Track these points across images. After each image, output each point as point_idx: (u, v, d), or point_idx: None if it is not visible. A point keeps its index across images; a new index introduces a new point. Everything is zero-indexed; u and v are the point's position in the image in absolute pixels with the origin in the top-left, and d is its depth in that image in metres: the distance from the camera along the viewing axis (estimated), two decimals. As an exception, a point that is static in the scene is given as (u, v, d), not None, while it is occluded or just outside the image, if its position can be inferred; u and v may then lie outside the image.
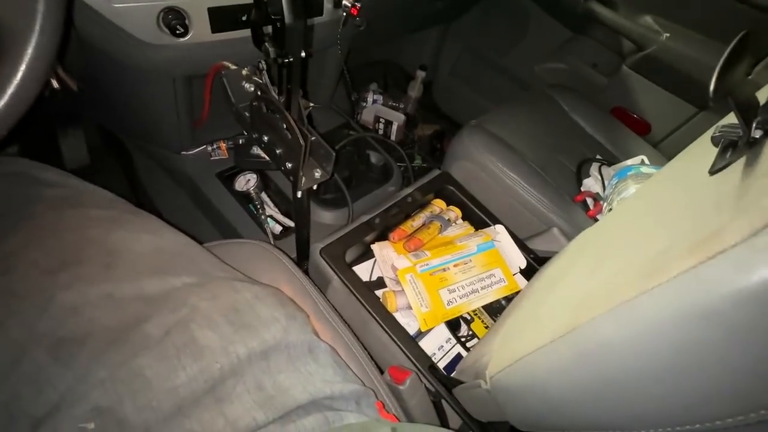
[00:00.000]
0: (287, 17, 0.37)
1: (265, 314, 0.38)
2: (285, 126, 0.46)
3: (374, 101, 1.26)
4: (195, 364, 0.32)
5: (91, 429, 0.28)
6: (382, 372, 0.50)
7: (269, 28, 0.40)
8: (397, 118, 1.19)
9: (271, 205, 0.79)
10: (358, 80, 1.17)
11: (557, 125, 0.89)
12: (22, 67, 0.29)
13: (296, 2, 0.37)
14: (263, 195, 0.79)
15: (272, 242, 0.73)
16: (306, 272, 0.66)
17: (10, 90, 0.29)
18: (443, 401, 0.53)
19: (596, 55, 1.05)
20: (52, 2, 0.31)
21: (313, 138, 0.49)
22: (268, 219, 0.76)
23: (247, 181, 0.78)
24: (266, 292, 0.41)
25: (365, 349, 0.51)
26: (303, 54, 0.40)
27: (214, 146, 0.78)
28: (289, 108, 0.45)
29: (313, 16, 0.66)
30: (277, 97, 0.47)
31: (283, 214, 0.79)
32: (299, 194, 0.55)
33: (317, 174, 0.53)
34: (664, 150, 0.93)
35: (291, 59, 0.40)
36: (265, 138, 0.51)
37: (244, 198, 0.78)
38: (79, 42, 0.55)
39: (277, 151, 0.50)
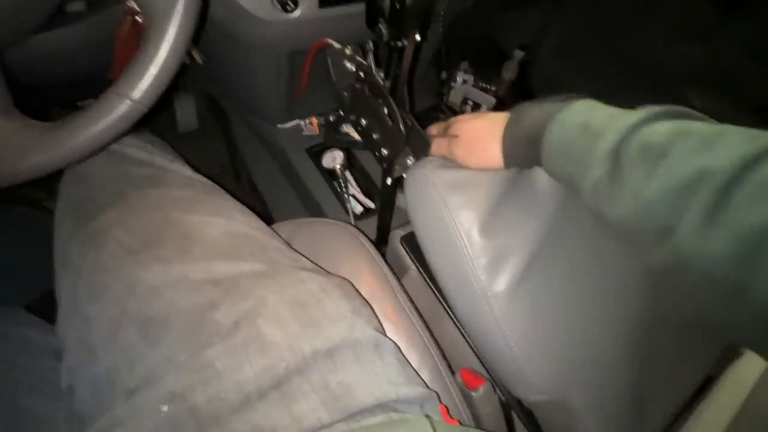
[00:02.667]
0: (409, -2, 0.34)
1: (331, 309, 0.38)
2: (387, 112, 0.44)
3: (464, 81, 1.20)
4: (261, 360, 0.33)
5: (165, 411, 0.30)
6: (453, 372, 0.49)
7: (386, 8, 0.38)
8: (487, 101, 1.12)
9: (354, 184, 0.80)
10: (450, 58, 1.11)
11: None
12: (165, 47, 0.31)
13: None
14: (347, 174, 0.80)
15: (352, 221, 0.74)
16: (384, 256, 0.66)
17: (154, 70, 0.31)
18: (513, 413, 0.51)
19: (749, 40, 0.87)
20: None
21: (412, 126, 0.47)
22: (350, 198, 0.77)
23: (333, 159, 0.79)
24: (332, 284, 0.40)
25: (439, 346, 0.50)
26: (418, 38, 0.38)
27: (306, 122, 0.81)
28: (393, 94, 0.43)
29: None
30: (381, 80, 0.46)
31: (364, 194, 0.79)
32: (389, 181, 0.54)
33: (410, 162, 0.51)
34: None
35: (404, 43, 0.38)
36: (363, 121, 0.50)
37: (330, 175, 0.79)
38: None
39: (374, 136, 0.49)
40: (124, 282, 0.38)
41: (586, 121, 0.32)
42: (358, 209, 0.78)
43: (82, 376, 0.36)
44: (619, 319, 0.44)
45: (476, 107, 1.13)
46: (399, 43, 0.38)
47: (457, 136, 0.41)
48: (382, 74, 0.46)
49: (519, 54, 1.19)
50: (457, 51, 1.21)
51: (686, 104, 0.86)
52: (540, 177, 0.41)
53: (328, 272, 0.45)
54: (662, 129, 0.28)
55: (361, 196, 0.79)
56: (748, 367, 0.44)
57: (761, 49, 0.85)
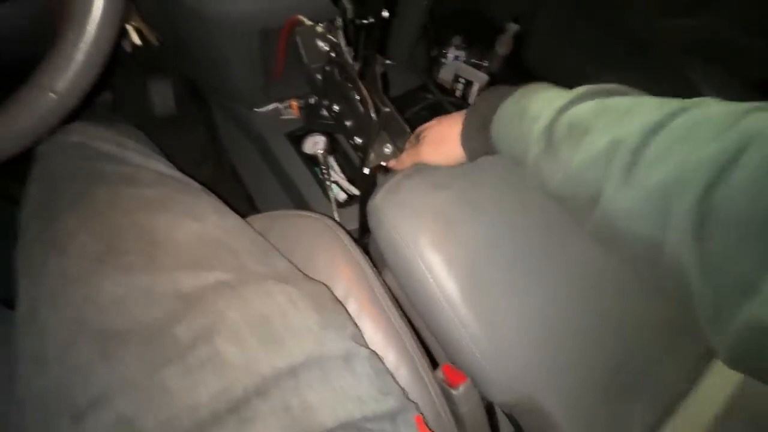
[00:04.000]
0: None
1: (297, 324, 0.35)
2: (357, 97, 0.41)
3: (455, 58, 1.14)
4: (217, 382, 0.31)
5: None
6: (436, 366, 0.48)
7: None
8: (479, 79, 1.07)
9: (338, 170, 0.77)
10: (440, 33, 1.05)
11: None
12: (90, 29, 0.28)
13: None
14: (330, 159, 0.76)
15: (335, 210, 0.72)
16: (366, 247, 0.63)
17: (80, 57, 0.28)
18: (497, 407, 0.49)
19: (752, 10, 0.82)
20: None
21: (387, 110, 0.44)
22: (333, 185, 0.74)
23: (315, 143, 0.76)
24: (301, 295, 0.38)
25: (420, 341, 0.48)
26: (386, 14, 0.34)
27: (286, 105, 0.76)
28: (363, 77, 0.40)
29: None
30: (351, 61, 0.42)
31: (348, 180, 0.76)
32: (366, 171, 0.51)
33: (388, 150, 0.48)
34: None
35: (371, 20, 0.34)
36: (336, 107, 0.47)
37: (311, 161, 0.76)
38: None
39: (347, 123, 0.45)
40: (85, 290, 0.35)
41: (524, 107, 0.35)
42: (342, 197, 0.75)
43: (31, 390, 0.34)
44: (584, 319, 0.45)
45: (468, 85, 1.08)
46: (365, 21, 0.34)
47: (423, 139, 0.45)
48: (352, 54, 0.43)
49: (513, 27, 1.13)
50: (447, 25, 1.15)
51: (684, 78, 0.82)
52: (484, 180, 0.46)
53: (304, 275, 0.43)
54: (586, 108, 0.31)
55: (345, 183, 0.76)
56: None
57: (758, 22, 0.80)
